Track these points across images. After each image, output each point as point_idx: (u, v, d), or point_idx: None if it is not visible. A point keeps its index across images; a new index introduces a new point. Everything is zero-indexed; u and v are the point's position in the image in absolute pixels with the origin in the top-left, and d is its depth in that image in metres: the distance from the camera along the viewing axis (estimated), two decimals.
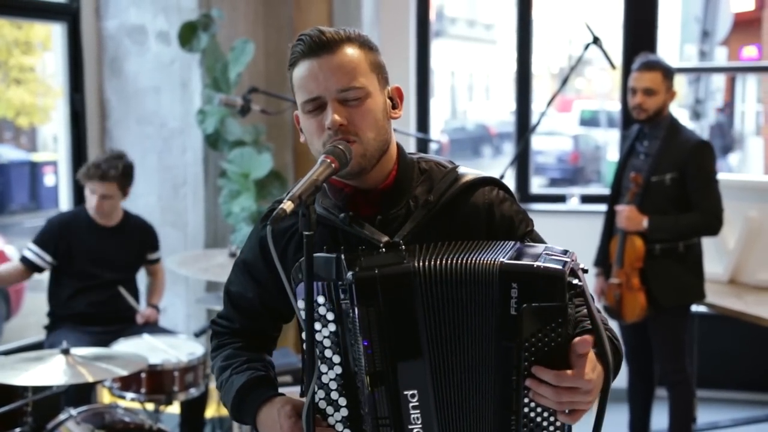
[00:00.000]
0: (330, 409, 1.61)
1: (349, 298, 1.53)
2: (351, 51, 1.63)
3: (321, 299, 1.57)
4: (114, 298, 3.93)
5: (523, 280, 1.48)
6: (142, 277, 4.27)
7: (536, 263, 1.49)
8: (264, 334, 1.87)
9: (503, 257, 1.52)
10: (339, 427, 1.62)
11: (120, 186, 3.88)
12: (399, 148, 1.74)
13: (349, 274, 1.52)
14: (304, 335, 1.54)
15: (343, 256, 1.54)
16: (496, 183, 1.75)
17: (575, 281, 1.48)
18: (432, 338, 1.54)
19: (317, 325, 1.58)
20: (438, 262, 1.54)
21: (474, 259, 1.54)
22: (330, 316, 1.57)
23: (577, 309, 1.55)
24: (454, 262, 1.54)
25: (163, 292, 4.27)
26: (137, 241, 4.06)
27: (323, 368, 1.59)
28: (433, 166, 1.74)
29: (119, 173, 3.84)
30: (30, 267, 3.83)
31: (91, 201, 3.85)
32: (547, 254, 1.53)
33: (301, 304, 1.56)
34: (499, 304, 1.50)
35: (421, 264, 1.54)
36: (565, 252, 1.56)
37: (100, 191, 3.83)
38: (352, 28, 1.69)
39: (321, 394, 1.61)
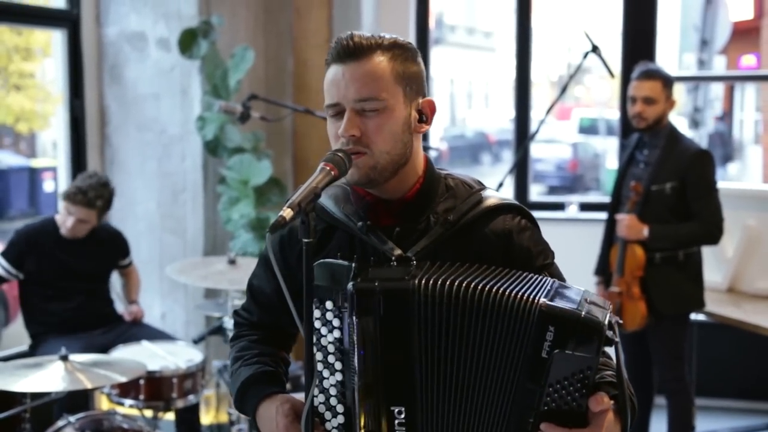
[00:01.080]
0: (328, 414, 1.62)
1: (349, 307, 1.53)
2: (378, 60, 1.60)
3: (329, 304, 1.57)
4: (89, 302, 3.92)
5: (563, 326, 1.46)
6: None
7: (578, 310, 1.46)
8: (281, 329, 1.87)
9: (543, 296, 1.49)
10: None
11: (99, 214, 3.89)
12: (428, 161, 1.72)
13: (350, 284, 1.52)
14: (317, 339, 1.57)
15: (353, 265, 1.55)
16: (519, 210, 1.72)
17: (612, 335, 1.46)
18: (425, 359, 1.53)
19: (323, 330, 1.58)
20: (446, 283, 1.52)
21: (503, 289, 1.51)
22: (336, 323, 1.57)
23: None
24: (470, 287, 1.52)
25: (139, 288, 4.27)
26: (107, 250, 4.05)
27: (325, 373, 1.60)
28: (459, 185, 1.72)
29: (103, 204, 3.86)
30: None
31: (66, 221, 3.82)
32: (586, 300, 1.51)
33: (317, 314, 1.57)
34: (530, 343, 1.48)
35: (423, 283, 1.52)
36: (603, 301, 1.55)
37: (78, 215, 3.80)
38: (391, 34, 1.65)
39: (321, 398, 1.62)
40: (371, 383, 1.54)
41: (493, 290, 1.51)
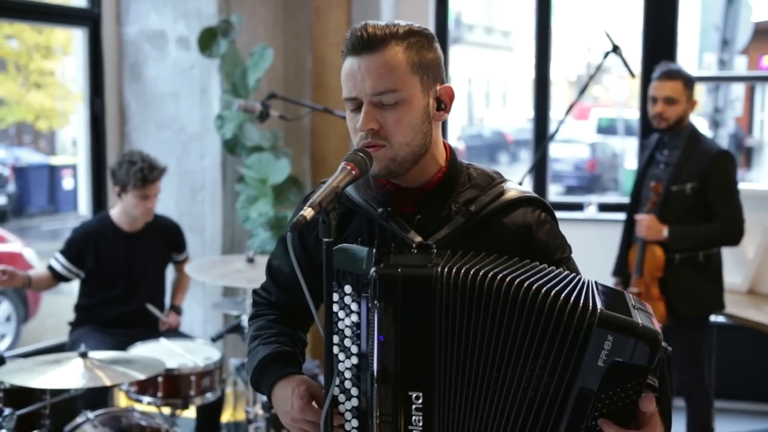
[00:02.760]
0: (342, 397, 1.63)
1: (371, 292, 1.54)
2: (393, 51, 1.59)
3: (348, 288, 1.58)
4: (141, 310, 3.92)
5: (622, 335, 1.44)
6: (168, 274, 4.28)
7: (636, 319, 1.45)
8: (299, 310, 1.88)
9: (599, 302, 1.47)
10: (348, 416, 1.63)
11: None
12: (450, 151, 1.72)
13: (372, 270, 1.53)
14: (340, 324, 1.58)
15: (374, 251, 1.55)
16: (539, 203, 1.72)
17: (665, 345, 1.45)
18: (445, 346, 1.53)
19: (341, 314, 1.59)
20: (470, 273, 1.52)
21: (548, 288, 1.49)
22: (354, 307, 1.58)
23: None
24: (497, 278, 1.50)
25: (186, 292, 4.27)
26: (162, 243, 4.04)
27: (341, 356, 1.61)
28: (482, 175, 1.72)
29: (164, 170, 3.87)
30: (57, 277, 3.80)
31: (142, 206, 3.79)
32: (633, 306, 1.51)
33: (335, 297, 1.58)
34: (585, 349, 1.46)
35: (446, 271, 1.52)
36: (646, 305, 1.55)
37: (156, 191, 3.82)
38: (405, 22, 1.63)
39: (336, 381, 1.62)
40: (390, 368, 1.54)
41: (535, 287, 1.49)
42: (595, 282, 1.58)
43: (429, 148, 1.65)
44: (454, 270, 1.52)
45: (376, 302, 1.53)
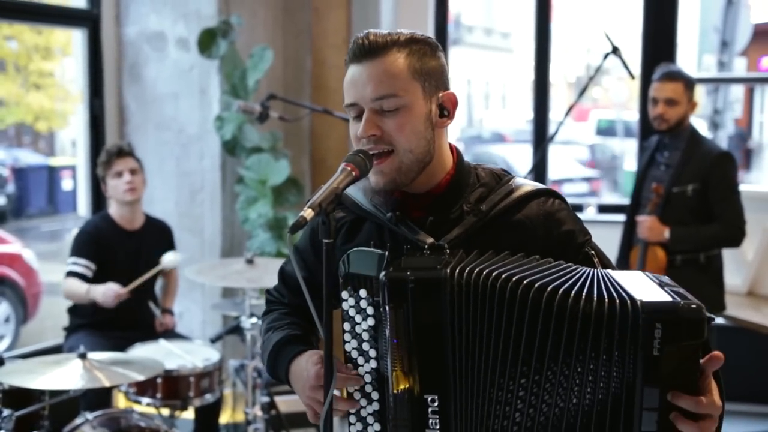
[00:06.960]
0: (363, 401, 1.63)
1: (382, 296, 1.53)
2: (395, 57, 1.59)
3: (363, 292, 1.57)
4: (137, 309, 3.91)
5: (670, 321, 1.41)
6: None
7: (676, 299, 1.42)
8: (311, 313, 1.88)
9: (633, 293, 1.44)
10: (370, 419, 1.63)
11: (139, 164, 3.91)
12: (458, 154, 1.72)
13: (382, 274, 1.52)
14: (345, 326, 1.59)
15: (386, 254, 1.54)
16: (549, 193, 1.71)
17: (709, 315, 1.42)
18: (459, 349, 1.51)
19: (358, 318, 1.59)
20: (482, 274, 1.50)
21: (559, 287, 1.46)
22: (370, 311, 1.57)
23: None
24: (511, 280, 1.48)
25: (176, 295, 4.27)
26: (159, 243, 4.04)
27: (360, 360, 1.61)
28: (490, 175, 1.72)
29: (133, 150, 3.94)
30: (88, 282, 3.77)
31: (121, 184, 3.82)
32: (662, 284, 1.49)
33: (345, 294, 1.58)
34: (636, 346, 1.42)
35: (457, 272, 1.50)
36: (668, 279, 1.54)
37: (129, 166, 3.84)
38: (409, 30, 1.64)
39: (355, 385, 1.62)
40: (405, 372, 1.53)
41: (551, 288, 1.46)
42: (607, 273, 1.55)
43: (434, 156, 1.64)
44: (465, 271, 1.51)
45: (387, 306, 1.52)
